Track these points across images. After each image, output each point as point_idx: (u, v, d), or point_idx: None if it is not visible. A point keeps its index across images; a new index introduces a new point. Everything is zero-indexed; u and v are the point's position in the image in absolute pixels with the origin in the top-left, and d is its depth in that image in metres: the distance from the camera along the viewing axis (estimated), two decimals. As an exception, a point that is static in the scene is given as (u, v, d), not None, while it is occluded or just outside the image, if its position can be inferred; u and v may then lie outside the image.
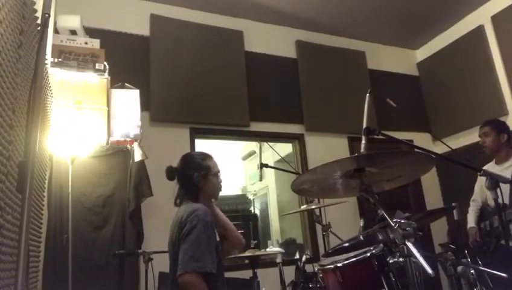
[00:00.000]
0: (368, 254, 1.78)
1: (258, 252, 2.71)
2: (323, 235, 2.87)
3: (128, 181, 3.05)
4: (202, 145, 3.96)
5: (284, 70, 4.43)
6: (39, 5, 1.75)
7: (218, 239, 1.92)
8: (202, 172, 1.93)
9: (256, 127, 4.07)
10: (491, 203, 3.18)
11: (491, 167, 3.18)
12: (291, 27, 4.63)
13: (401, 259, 1.45)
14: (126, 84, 3.14)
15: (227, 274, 2.01)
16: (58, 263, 2.65)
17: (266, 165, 3.00)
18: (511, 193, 2.65)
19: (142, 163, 3.04)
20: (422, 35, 5.12)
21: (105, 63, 2.99)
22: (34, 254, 2.30)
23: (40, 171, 2.44)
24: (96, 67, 2.94)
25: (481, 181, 3.30)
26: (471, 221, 3.21)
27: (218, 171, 2.03)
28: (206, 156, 2.03)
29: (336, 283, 1.82)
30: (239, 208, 5.07)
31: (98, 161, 3.02)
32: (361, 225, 2.68)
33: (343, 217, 3.57)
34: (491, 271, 1.84)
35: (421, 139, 4.77)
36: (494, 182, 1.70)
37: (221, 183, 2.06)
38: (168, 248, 1.91)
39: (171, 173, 1.96)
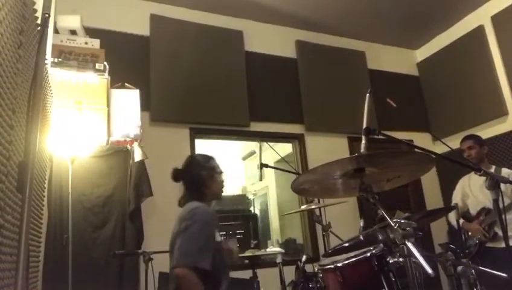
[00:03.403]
0: (368, 254, 1.78)
1: (258, 252, 2.72)
2: (323, 235, 2.86)
3: (128, 181, 3.05)
4: (202, 145, 3.96)
5: (284, 70, 4.43)
6: (39, 5, 1.75)
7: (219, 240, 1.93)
8: (209, 171, 2.00)
9: (256, 127, 4.07)
10: (475, 207, 3.27)
11: (472, 177, 3.32)
12: (291, 27, 4.62)
13: (401, 259, 1.45)
14: (126, 84, 3.14)
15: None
16: (58, 263, 2.65)
17: (266, 165, 3.00)
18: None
19: (142, 163, 3.04)
20: (422, 35, 5.12)
21: (105, 63, 2.99)
22: (34, 254, 2.30)
23: (40, 171, 2.43)
24: (96, 67, 2.94)
25: (462, 186, 3.37)
26: (453, 218, 3.27)
27: (221, 171, 2.09)
28: (209, 158, 2.11)
29: (336, 283, 1.82)
30: (239, 208, 5.07)
31: (98, 161, 3.02)
32: (361, 225, 2.68)
33: (343, 217, 3.57)
34: (491, 271, 1.84)
35: (421, 139, 4.77)
36: (495, 182, 1.69)
37: (224, 184, 2.11)
38: (170, 243, 1.93)
39: (176, 175, 2.01)
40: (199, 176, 1.97)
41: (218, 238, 1.92)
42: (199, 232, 1.76)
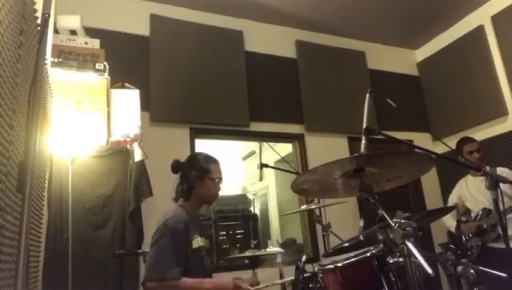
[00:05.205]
0: (368, 254, 1.78)
1: (258, 252, 2.71)
2: (323, 235, 2.86)
3: (128, 181, 3.05)
4: (202, 145, 3.96)
5: (284, 70, 4.43)
6: (39, 5, 1.75)
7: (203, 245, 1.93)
8: (200, 172, 1.99)
9: (256, 127, 4.07)
10: (475, 208, 3.26)
11: (469, 179, 3.30)
12: (291, 27, 4.62)
13: (401, 259, 1.44)
14: (126, 84, 3.14)
15: (228, 274, 2.01)
16: (58, 263, 2.65)
17: (266, 165, 2.99)
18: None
19: (142, 163, 3.04)
20: (422, 35, 5.12)
21: (105, 63, 2.99)
22: (34, 254, 2.30)
23: (40, 171, 2.43)
24: (96, 67, 2.94)
25: (459, 189, 3.37)
26: (450, 220, 3.22)
27: (218, 178, 2.05)
28: (210, 159, 2.08)
29: (336, 283, 1.82)
30: (239, 208, 5.07)
31: (98, 161, 3.02)
32: (361, 225, 2.68)
33: (343, 217, 3.57)
34: (491, 271, 1.84)
35: (421, 139, 4.77)
36: (494, 182, 1.70)
37: (218, 191, 2.08)
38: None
39: (175, 166, 2.05)
40: (189, 174, 1.99)
41: (200, 243, 1.91)
42: (169, 243, 1.79)
